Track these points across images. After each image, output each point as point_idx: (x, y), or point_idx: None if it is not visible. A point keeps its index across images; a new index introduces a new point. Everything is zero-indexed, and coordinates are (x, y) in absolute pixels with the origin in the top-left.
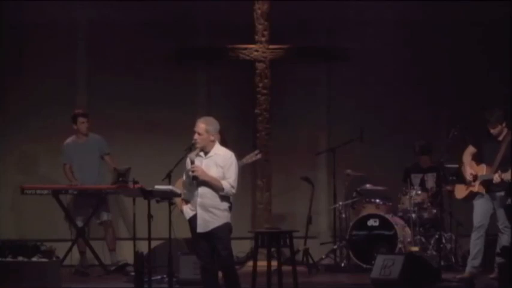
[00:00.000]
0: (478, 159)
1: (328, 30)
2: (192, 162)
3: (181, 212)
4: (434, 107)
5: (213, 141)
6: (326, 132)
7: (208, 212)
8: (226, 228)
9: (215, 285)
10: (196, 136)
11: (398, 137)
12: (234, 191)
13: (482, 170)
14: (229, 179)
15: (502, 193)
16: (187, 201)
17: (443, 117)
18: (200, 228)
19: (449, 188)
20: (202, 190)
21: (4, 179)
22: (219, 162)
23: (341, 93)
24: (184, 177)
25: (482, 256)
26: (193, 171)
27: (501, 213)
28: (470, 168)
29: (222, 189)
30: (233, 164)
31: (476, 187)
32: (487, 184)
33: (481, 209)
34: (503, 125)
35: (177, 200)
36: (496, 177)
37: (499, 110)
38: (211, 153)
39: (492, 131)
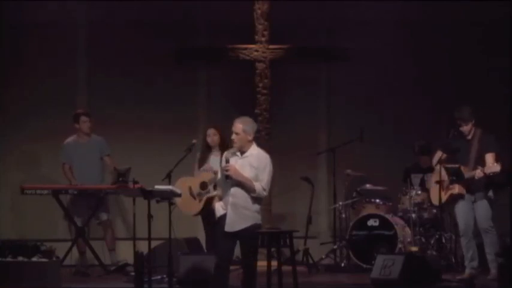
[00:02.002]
0: (451, 161)
1: (328, 30)
2: (227, 161)
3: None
4: (434, 107)
5: (251, 142)
6: (326, 132)
7: (238, 212)
8: (254, 229)
9: (225, 284)
10: (233, 136)
11: (398, 137)
12: (265, 193)
13: None
14: (262, 181)
15: (481, 192)
16: (221, 199)
17: (443, 117)
18: (228, 227)
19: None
20: (234, 190)
21: (4, 179)
22: (253, 163)
23: (341, 93)
24: (219, 175)
25: (478, 257)
26: (226, 170)
27: (482, 213)
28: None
29: (254, 190)
30: (267, 166)
31: (457, 189)
32: (467, 184)
33: (463, 212)
34: (473, 122)
35: (178, 200)
36: (479, 172)
37: (468, 108)
38: (247, 154)
39: (465, 128)
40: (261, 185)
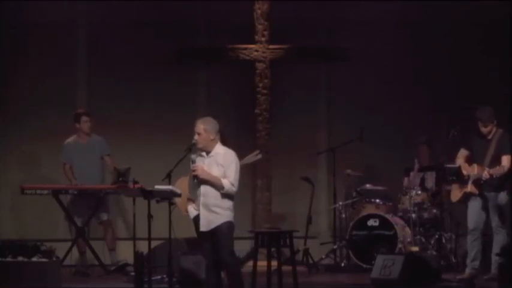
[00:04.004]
0: (469, 160)
1: (328, 30)
2: (193, 162)
3: (186, 212)
4: (434, 107)
5: (214, 141)
6: (326, 132)
7: (210, 210)
8: (228, 227)
9: (219, 285)
10: (196, 137)
11: (398, 137)
12: (234, 189)
13: (474, 169)
14: (230, 177)
15: (493, 193)
16: (194, 201)
17: (443, 117)
18: (203, 227)
19: (449, 188)
20: (204, 189)
21: (4, 179)
22: (219, 161)
23: (341, 93)
24: (189, 177)
25: (481, 257)
26: (193, 171)
27: (494, 214)
28: (464, 170)
29: (223, 187)
30: (233, 163)
31: (469, 188)
32: (479, 184)
33: (474, 211)
34: (494, 123)
35: (177, 200)
36: (485, 174)
37: (490, 108)
38: (212, 153)
39: (484, 129)
40: (229, 180)
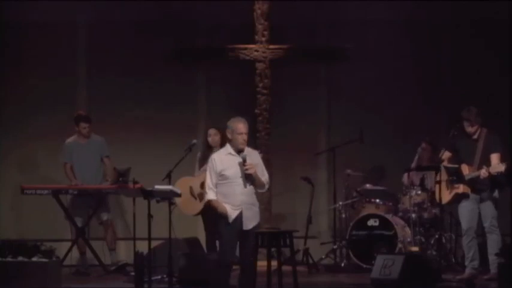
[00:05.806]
0: (456, 161)
1: (328, 30)
2: (245, 161)
3: (205, 211)
4: (435, 107)
5: None
6: (326, 132)
7: (250, 209)
8: (258, 226)
9: (228, 284)
10: (245, 137)
11: (398, 137)
12: (268, 187)
13: (465, 170)
14: (265, 175)
15: (487, 192)
16: (214, 201)
17: (443, 117)
18: (246, 226)
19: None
20: (247, 188)
21: (4, 179)
22: (254, 160)
23: (341, 93)
24: (212, 178)
25: (479, 256)
26: (247, 169)
27: (487, 212)
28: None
29: (264, 185)
30: (261, 161)
31: (461, 188)
32: (472, 183)
33: (466, 212)
34: (480, 123)
35: (178, 200)
36: (484, 172)
37: (476, 109)
38: (244, 153)
39: (471, 129)
40: (266, 179)
